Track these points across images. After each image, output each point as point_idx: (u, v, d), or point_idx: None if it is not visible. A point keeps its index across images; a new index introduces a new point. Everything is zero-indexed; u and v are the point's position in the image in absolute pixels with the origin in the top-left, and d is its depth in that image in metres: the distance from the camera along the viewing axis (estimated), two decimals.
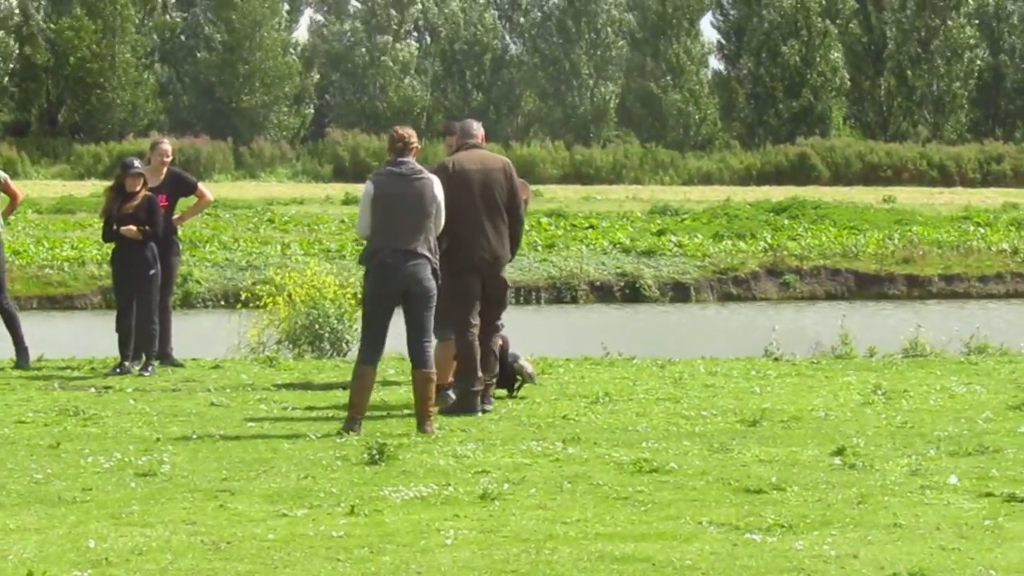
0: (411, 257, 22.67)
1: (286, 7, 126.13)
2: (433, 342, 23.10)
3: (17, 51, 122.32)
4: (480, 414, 23.71)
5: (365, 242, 24.47)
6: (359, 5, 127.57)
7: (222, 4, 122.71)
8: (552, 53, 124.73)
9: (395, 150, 23.75)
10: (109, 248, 30.40)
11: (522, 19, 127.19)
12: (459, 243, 23.94)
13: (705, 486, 18.41)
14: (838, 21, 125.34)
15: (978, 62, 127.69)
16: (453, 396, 24.76)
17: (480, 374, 24.40)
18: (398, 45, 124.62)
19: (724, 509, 17.10)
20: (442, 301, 24.18)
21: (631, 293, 52.07)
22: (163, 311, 29.28)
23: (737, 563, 14.71)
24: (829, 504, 17.38)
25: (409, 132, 24.39)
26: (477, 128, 25.92)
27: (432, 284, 23.14)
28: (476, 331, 24.26)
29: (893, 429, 22.42)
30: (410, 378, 22.74)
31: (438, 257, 23.25)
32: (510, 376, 25.33)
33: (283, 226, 58.75)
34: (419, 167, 23.56)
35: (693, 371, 29.05)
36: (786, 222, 65.48)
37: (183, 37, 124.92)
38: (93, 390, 26.30)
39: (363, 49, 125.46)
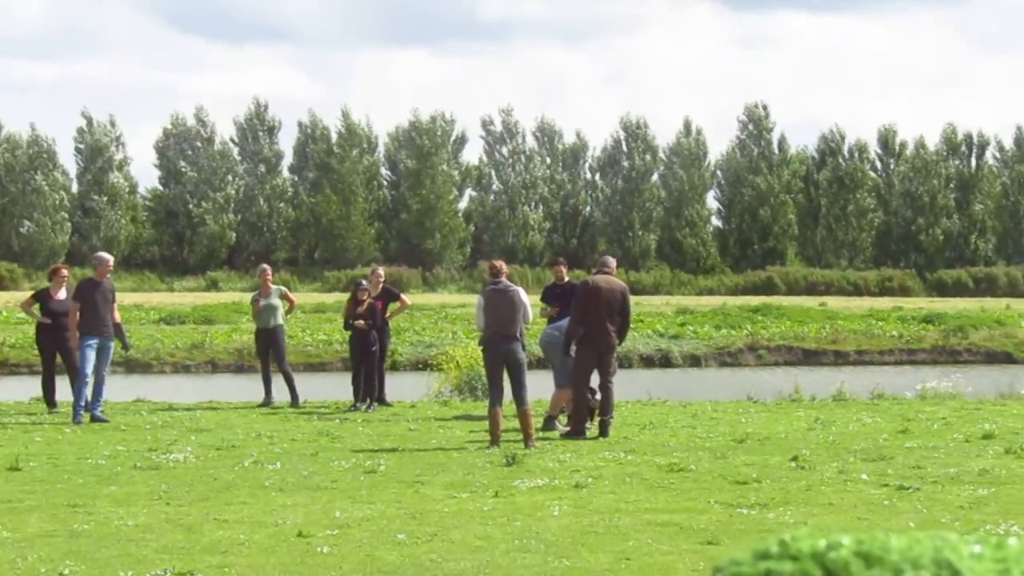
0: (507, 340, 22.56)
1: (456, 188, 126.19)
2: (527, 389, 22.84)
3: (292, 214, 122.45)
4: (582, 438, 23.51)
5: (479, 333, 24.77)
6: (500, 186, 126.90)
7: (417, 183, 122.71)
8: (616, 215, 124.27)
9: (493, 274, 23.78)
10: (347, 334, 30.45)
11: (600, 194, 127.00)
12: (589, 332, 23.71)
13: (711, 480, 18.38)
14: (791, 195, 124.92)
15: (876, 220, 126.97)
16: (559, 425, 24.55)
17: (585, 415, 24.12)
18: (527, 209, 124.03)
19: (723, 494, 17.09)
20: (568, 364, 24.22)
21: (664, 361, 51.68)
22: (380, 371, 29.31)
23: (731, 527, 14.86)
24: (788, 491, 17.34)
25: (501, 263, 24.48)
26: (611, 262, 25.77)
27: (522, 355, 22.96)
28: (587, 388, 24.02)
29: (827, 445, 22.28)
30: (512, 412, 22.63)
31: (524, 338, 23.19)
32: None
33: (452, 321, 58.68)
34: (508, 283, 23.42)
35: (703, 409, 28.92)
36: (760, 318, 65.13)
37: (391, 204, 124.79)
38: (338, 420, 26.29)
39: (504, 212, 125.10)
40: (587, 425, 23.88)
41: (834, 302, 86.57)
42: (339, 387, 30.74)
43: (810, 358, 53.60)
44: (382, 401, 29.18)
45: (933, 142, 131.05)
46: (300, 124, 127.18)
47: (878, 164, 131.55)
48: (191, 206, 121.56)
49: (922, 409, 29.19)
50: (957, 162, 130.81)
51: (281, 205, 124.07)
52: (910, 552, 4.02)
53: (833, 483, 18.18)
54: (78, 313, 26.83)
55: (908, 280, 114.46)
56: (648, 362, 50.27)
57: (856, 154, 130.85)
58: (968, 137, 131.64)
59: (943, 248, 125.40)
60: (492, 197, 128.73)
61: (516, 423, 22.61)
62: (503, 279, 23.49)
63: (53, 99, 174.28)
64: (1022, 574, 4.04)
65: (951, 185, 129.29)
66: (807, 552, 4.07)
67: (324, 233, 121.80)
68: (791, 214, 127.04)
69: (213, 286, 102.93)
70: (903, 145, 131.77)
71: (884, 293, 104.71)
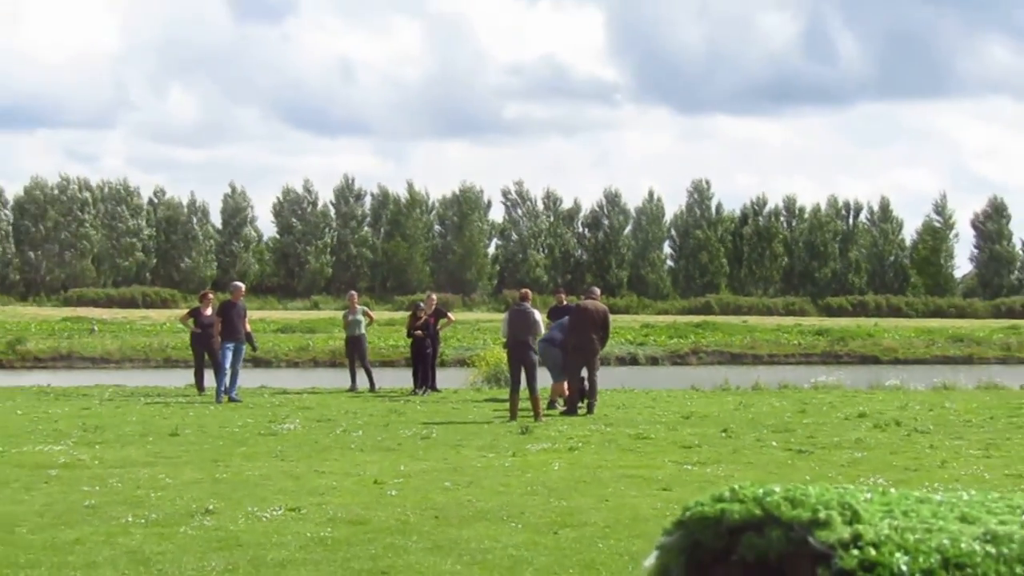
0: (523, 346, 22.46)
1: (486, 239, 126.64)
2: (537, 380, 22.69)
3: (371, 256, 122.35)
4: (575, 415, 23.43)
5: (503, 340, 24.62)
6: (516, 237, 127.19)
7: (459, 235, 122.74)
8: (599, 258, 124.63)
9: (522, 298, 23.70)
10: (409, 340, 30.34)
11: (587, 243, 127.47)
12: (579, 341, 23.62)
13: (666, 445, 18.28)
14: (723, 244, 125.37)
15: (783, 263, 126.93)
16: (559, 407, 24.48)
17: (577, 399, 24.04)
18: (534, 253, 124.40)
19: (674, 455, 17.01)
20: (559, 362, 24.17)
21: (632, 361, 51.51)
22: (432, 367, 29.24)
23: (680, 478, 14.73)
24: (720, 453, 17.25)
25: (527, 291, 24.42)
26: (596, 291, 25.72)
27: (533, 357, 22.75)
28: (579, 380, 23.94)
29: (747, 421, 22.17)
30: (526, 398, 22.48)
31: (537, 344, 23.08)
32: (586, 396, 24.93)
33: (483, 331, 58.35)
34: (527, 306, 23.21)
35: (660, 395, 28.79)
36: (700, 331, 64.94)
37: (441, 249, 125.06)
38: (402, 401, 26.22)
39: (519, 255, 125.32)
40: (579, 406, 23.85)
41: (753, 320, 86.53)
42: (403, 378, 30.68)
43: (735, 359, 53.45)
44: (433, 388, 29.13)
45: (823, 207, 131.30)
46: (377, 193, 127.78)
47: (784, 223, 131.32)
48: (299, 250, 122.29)
49: (815, 396, 29.11)
50: (840, 222, 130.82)
51: (364, 249, 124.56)
52: (822, 497, 4.14)
53: (751, 448, 18.09)
54: (220, 324, 27.20)
55: (805, 305, 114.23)
56: (621, 361, 50.15)
57: (770, 216, 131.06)
58: (847, 204, 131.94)
59: (830, 282, 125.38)
60: (511, 244, 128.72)
61: (528, 404, 22.57)
62: (526, 303, 23.52)
63: (205, 173, 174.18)
64: (901, 513, 4.23)
65: (836, 238, 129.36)
66: (750, 496, 4.21)
67: (394, 269, 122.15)
68: (723, 258, 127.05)
69: (315, 306, 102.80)
70: (802, 209, 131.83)
71: (788, 314, 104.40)
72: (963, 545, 3.97)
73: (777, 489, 4.20)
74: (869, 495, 4.30)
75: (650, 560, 4.44)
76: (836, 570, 3.84)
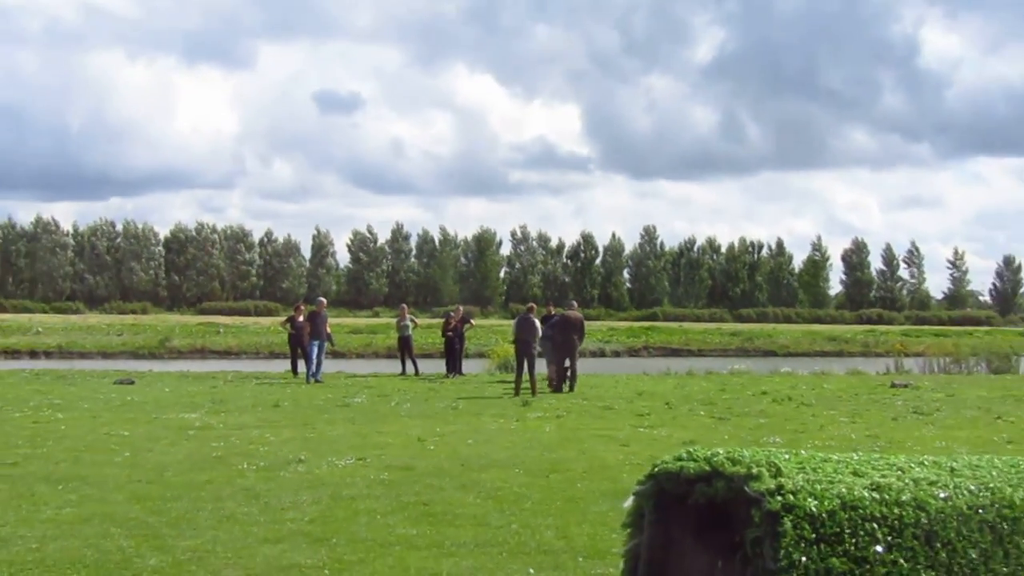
0: (526, 344, 22.38)
1: (499, 268, 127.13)
2: (536, 368, 22.64)
3: (415, 279, 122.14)
4: (561, 393, 23.28)
5: (512, 339, 24.37)
6: (520, 266, 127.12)
7: (480, 264, 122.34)
8: (578, 281, 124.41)
9: (528, 309, 23.67)
10: (442, 339, 30.07)
11: (569, 271, 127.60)
12: (561, 339, 23.53)
13: (626, 414, 18.16)
14: (666, 272, 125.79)
15: (709, 284, 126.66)
16: (549, 387, 24.36)
17: (562, 381, 23.86)
18: (531, 277, 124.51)
19: (631, 420, 16.88)
20: (550, 354, 23.95)
21: (601, 353, 51.41)
22: (460, 358, 29.09)
23: (636, 437, 14.58)
24: (663, 419, 17.12)
25: (533, 304, 24.42)
26: (575, 304, 26.00)
27: (534, 351, 22.65)
28: (563, 367, 23.78)
29: (684, 396, 22.05)
30: (527, 380, 22.33)
31: (539, 342, 22.91)
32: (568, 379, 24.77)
33: (497, 333, 57.95)
34: (530, 315, 23.20)
35: (621, 378, 28.60)
36: (650, 332, 64.57)
37: (467, 274, 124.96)
38: (438, 382, 26.04)
39: (520, 279, 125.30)
40: (564, 386, 23.72)
41: (687, 325, 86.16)
42: (438, 366, 30.51)
43: (675, 353, 53.25)
44: (460, 373, 28.92)
45: (736, 245, 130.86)
46: (420, 234, 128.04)
47: (709, 256, 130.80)
48: (365, 275, 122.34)
49: (731, 379, 28.92)
50: (748, 255, 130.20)
51: (410, 274, 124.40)
52: (754, 457, 4.20)
53: (686, 416, 17.93)
54: (309, 327, 27.05)
55: (724, 314, 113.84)
56: (593, 354, 50.01)
57: (699, 251, 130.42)
58: (753, 243, 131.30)
59: (741, 298, 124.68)
60: (515, 271, 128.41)
61: (528, 385, 22.42)
62: (531, 314, 23.42)
63: (299, 220, 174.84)
64: (811, 469, 4.25)
65: (745, 267, 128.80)
66: (701, 456, 4.25)
67: (431, 288, 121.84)
68: (665, 281, 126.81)
69: (375, 315, 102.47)
70: (720, 247, 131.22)
71: (712, 321, 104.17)
72: (856, 492, 3.97)
73: (721, 451, 4.22)
74: (787, 456, 4.30)
75: (628, 502, 4.45)
76: (765, 511, 3.84)
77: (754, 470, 3.99)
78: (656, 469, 4.33)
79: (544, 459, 12.42)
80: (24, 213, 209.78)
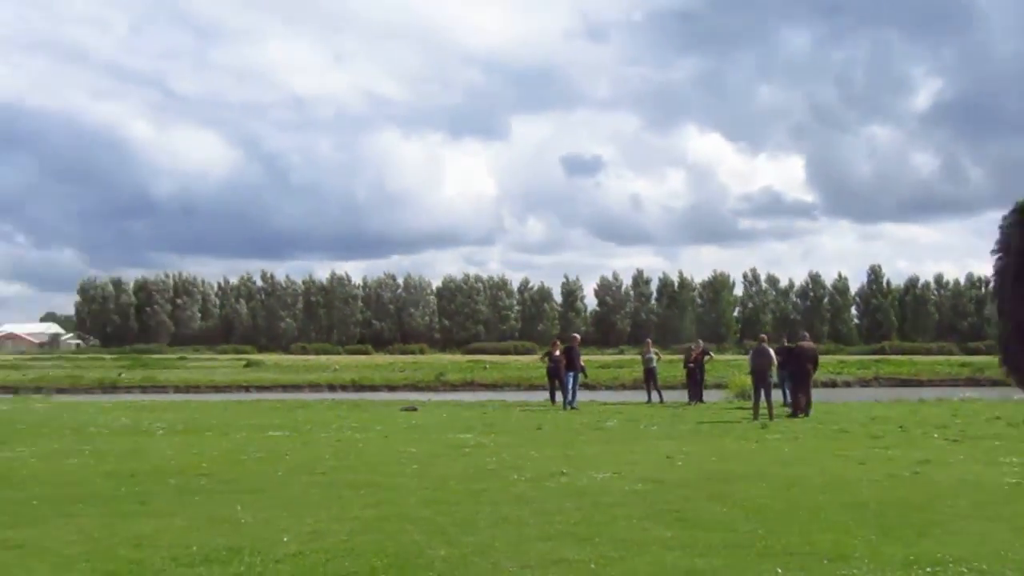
0: (762, 373, 21.52)
1: (732, 306, 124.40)
2: (771, 397, 21.97)
3: (655, 319, 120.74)
4: (797, 417, 22.50)
5: (750, 369, 22.84)
6: (756, 302, 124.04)
7: (714, 302, 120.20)
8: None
9: (760, 341, 23.07)
10: (684, 371, 29.36)
11: (802, 306, 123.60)
12: (797, 370, 22.63)
13: (861, 436, 17.29)
14: (652, 313, 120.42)
15: (936, 318, 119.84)
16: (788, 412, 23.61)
17: (799, 407, 22.97)
18: (765, 315, 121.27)
19: (866, 441, 16.06)
20: (786, 382, 23.23)
21: (832, 384, 49.26)
22: (701, 386, 28.49)
23: (871, 456, 13.87)
24: (897, 441, 16.22)
25: (764, 336, 23.83)
26: (807, 335, 24.95)
27: (770, 381, 21.84)
28: (797, 394, 22.80)
29: (915, 421, 20.79)
30: (764, 406, 21.69)
31: (775, 372, 22.27)
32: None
33: (731, 366, 56.03)
34: (766, 347, 22.34)
35: (853, 406, 27.21)
36: (879, 364, 61.44)
37: (701, 313, 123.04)
38: (681, 409, 25.39)
39: (754, 317, 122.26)
40: (799, 412, 22.92)
41: (916, 358, 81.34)
42: (680, 395, 29.71)
43: (904, 384, 50.16)
44: (701, 400, 27.77)
45: (962, 281, 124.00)
46: (659, 279, 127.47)
47: (934, 292, 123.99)
48: (611, 317, 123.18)
49: (962, 406, 26.92)
50: (973, 291, 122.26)
51: (651, 316, 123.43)
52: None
53: (920, 438, 16.87)
54: (565, 360, 27.28)
55: (952, 347, 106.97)
56: (825, 384, 47.86)
57: (924, 288, 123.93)
58: (979, 278, 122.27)
59: (969, 332, 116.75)
60: (747, 310, 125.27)
61: (765, 410, 21.74)
62: (764, 345, 22.77)
63: (551, 270, 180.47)
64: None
65: (971, 302, 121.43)
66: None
67: (671, 328, 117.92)
68: (893, 316, 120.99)
69: (620, 352, 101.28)
70: (947, 283, 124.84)
71: (939, 353, 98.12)
72: None
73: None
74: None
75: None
76: None
77: None
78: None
79: (784, 474, 12.06)
80: (321, 271, 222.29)
